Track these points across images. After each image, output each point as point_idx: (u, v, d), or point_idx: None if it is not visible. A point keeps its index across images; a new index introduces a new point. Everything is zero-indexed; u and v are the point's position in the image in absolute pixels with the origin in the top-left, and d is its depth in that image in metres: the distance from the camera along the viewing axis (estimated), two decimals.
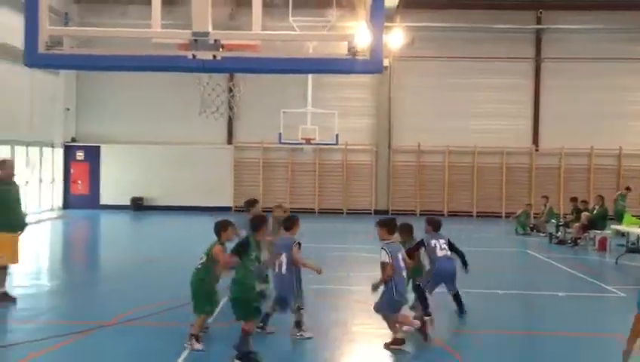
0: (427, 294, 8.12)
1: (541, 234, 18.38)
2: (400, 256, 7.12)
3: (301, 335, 7.43)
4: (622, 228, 15.08)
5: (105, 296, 10.09)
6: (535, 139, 24.38)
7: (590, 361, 6.40)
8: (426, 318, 7.65)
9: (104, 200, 24.42)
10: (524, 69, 24.39)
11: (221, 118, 23.58)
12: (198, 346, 6.85)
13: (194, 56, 4.53)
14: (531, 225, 19.21)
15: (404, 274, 7.14)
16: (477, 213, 24.09)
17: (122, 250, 15.15)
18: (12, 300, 8.99)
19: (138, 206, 23.97)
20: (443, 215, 23.97)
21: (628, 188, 19.64)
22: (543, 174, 24.09)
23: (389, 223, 7.33)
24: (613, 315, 9.44)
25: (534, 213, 20.48)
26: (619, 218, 16.40)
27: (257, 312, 6.69)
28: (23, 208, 9.73)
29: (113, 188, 24.35)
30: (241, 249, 6.55)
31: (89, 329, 7.70)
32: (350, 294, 9.83)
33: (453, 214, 23.91)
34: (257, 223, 6.86)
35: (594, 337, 8.00)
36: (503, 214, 23.45)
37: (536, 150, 24.28)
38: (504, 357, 7.14)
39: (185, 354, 6.75)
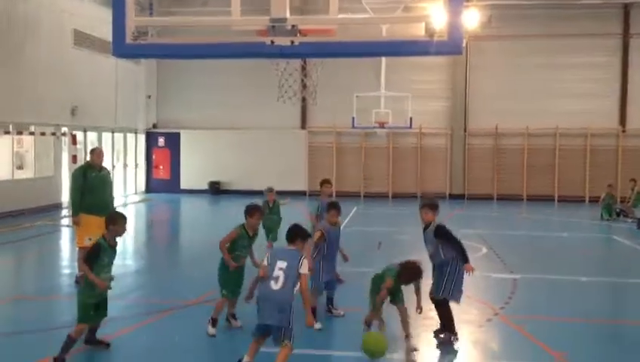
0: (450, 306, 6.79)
1: (628, 220, 17.49)
2: (280, 266, 5.39)
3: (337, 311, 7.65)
4: None
5: (188, 276, 10.50)
6: (622, 120, 23.15)
7: None
8: (454, 340, 6.66)
9: (184, 184, 25.32)
10: (611, 46, 23.12)
11: (295, 103, 23.94)
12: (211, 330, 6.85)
13: (272, 42, 4.59)
14: (618, 210, 18.30)
15: (274, 287, 5.33)
16: (558, 197, 23.21)
17: (202, 232, 15.68)
18: None
19: (215, 190, 24.67)
20: (522, 199, 23.30)
21: None
22: (630, 156, 22.83)
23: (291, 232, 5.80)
24: None
25: (621, 198, 19.53)
26: None
27: (91, 320, 6.21)
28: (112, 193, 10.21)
29: (192, 173, 25.18)
30: (91, 256, 6.11)
31: (175, 308, 8.05)
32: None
33: (533, 199, 23.18)
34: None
35: None
36: (587, 199, 22.50)
37: (623, 131, 23.05)
38: (587, 345, 6.89)
39: None
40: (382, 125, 20.73)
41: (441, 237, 6.60)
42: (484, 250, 12.49)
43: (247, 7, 4.93)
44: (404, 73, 23.19)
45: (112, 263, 6.31)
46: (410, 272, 6.56)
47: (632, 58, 22.95)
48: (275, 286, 5.34)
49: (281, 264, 5.40)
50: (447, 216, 18.91)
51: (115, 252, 6.33)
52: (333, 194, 9.80)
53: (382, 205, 22.31)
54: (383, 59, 20.86)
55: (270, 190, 11.20)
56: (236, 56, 5.22)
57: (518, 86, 23.30)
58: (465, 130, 23.95)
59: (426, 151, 24.29)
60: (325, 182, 9.65)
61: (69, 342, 5.89)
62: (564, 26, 22.88)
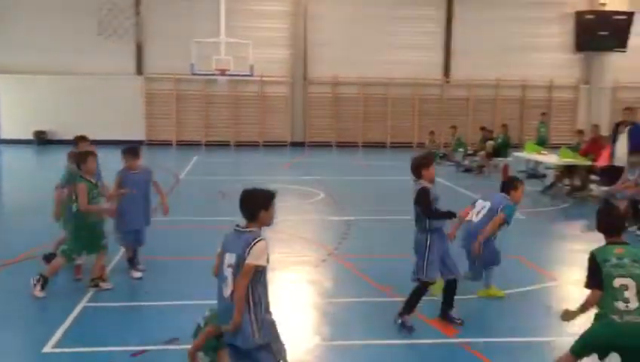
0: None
1: (450, 163, 19.15)
2: (228, 261, 4.12)
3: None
4: (523, 155, 15.97)
5: (8, 233, 9.70)
6: (446, 71, 24.96)
7: (494, 276, 6.89)
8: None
9: (4, 134, 23.03)
10: (438, 0, 24.58)
11: (128, 47, 22.61)
12: (106, 285, 6.77)
13: None
14: (441, 155, 19.95)
15: (225, 292, 4.10)
16: (390, 143, 24.69)
17: (25, 186, 14.46)
18: None
19: (42, 140, 22.80)
20: (358, 146, 24.44)
21: (544, 114, 20.69)
22: (452, 105, 24.84)
23: None
24: (514, 237, 10.15)
25: (444, 144, 21.26)
26: (541, 144, 17.02)
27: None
28: None
29: (14, 122, 22.94)
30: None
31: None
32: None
33: (369, 145, 24.41)
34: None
35: None
36: (415, 144, 24.18)
37: (447, 81, 24.92)
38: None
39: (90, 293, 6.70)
40: (222, 73, 20.35)
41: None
42: (322, 195, 13.01)
43: None
44: (244, 20, 22.83)
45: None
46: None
47: (455, 12, 24.63)
48: (225, 291, 4.07)
49: (230, 258, 4.06)
50: (288, 164, 19.35)
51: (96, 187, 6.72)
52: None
53: (224, 154, 22.15)
54: (222, 4, 20.34)
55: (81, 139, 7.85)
56: None
57: (354, 36, 23.96)
58: (305, 79, 24.34)
59: (268, 99, 24.37)
60: (81, 139, 7.76)
61: None
62: None
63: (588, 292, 4.19)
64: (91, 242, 6.69)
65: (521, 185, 6.75)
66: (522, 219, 11.04)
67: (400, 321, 5.78)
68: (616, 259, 3.99)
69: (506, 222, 6.48)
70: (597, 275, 4.03)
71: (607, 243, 4.19)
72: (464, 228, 6.63)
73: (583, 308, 4.22)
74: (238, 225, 4.14)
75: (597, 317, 4.12)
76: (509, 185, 6.73)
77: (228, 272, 4.02)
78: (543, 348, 5.69)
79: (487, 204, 6.59)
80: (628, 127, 11.41)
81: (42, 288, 6.48)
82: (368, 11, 23.96)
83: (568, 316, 4.30)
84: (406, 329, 5.73)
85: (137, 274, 7.21)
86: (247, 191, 4.18)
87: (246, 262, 3.93)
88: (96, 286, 6.69)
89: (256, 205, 4.10)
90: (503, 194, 6.65)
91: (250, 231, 4.07)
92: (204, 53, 20.10)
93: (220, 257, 4.14)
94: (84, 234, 6.65)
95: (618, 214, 4.40)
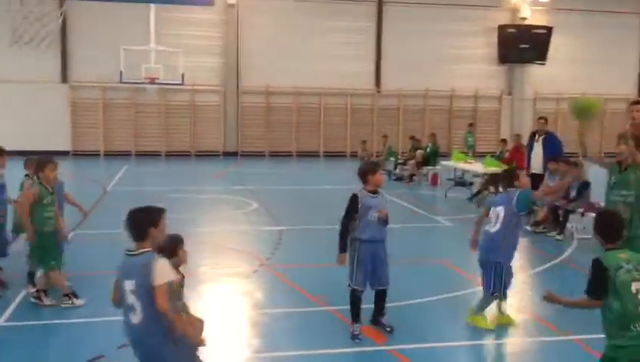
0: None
1: (382, 172, 19.45)
2: (129, 287, 3.93)
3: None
4: (451, 163, 16.46)
5: None
6: (377, 81, 25.42)
7: (422, 281, 7.06)
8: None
9: None
10: (368, 12, 25.05)
11: (52, 54, 21.80)
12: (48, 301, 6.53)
13: None
14: None
15: (133, 320, 3.88)
16: (324, 153, 24.87)
17: None
18: None
19: None
20: (292, 155, 24.48)
21: (471, 125, 21.40)
22: (384, 114, 25.32)
23: None
24: (441, 242, 10.49)
25: (376, 153, 21.63)
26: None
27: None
28: None
29: None
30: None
31: None
32: (196, 236, 9.81)
33: (302, 155, 24.49)
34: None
35: (424, 262, 8.80)
36: (348, 153, 24.45)
37: (378, 91, 25.38)
38: (343, 287, 7.60)
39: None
40: (152, 81, 19.97)
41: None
42: (255, 205, 12.93)
43: None
44: (174, 28, 22.53)
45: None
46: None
47: (386, 24, 25.17)
48: (134, 318, 3.85)
49: (129, 285, 3.84)
50: (221, 173, 19.14)
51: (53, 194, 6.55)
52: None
53: (155, 164, 21.68)
54: (152, 12, 19.99)
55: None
56: None
57: (287, 46, 24.05)
58: (237, 88, 24.18)
59: (200, 108, 24.06)
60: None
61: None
62: None
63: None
64: (49, 252, 6.49)
65: (521, 172, 6.47)
66: (449, 225, 11.42)
67: (351, 330, 5.90)
68: (626, 264, 3.87)
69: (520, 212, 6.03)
70: (604, 284, 3.85)
71: (608, 250, 4.01)
72: (481, 238, 6.22)
73: (572, 305, 4.23)
74: (128, 250, 3.94)
75: (613, 334, 3.87)
76: (510, 177, 6.27)
77: (132, 299, 3.82)
78: (472, 352, 5.86)
79: (500, 211, 6.00)
80: (542, 136, 11.97)
81: (46, 295, 6.53)
82: (301, 21, 24.14)
83: (550, 298, 4.17)
84: (355, 338, 5.84)
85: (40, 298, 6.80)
86: (133, 211, 4.01)
87: (155, 286, 3.74)
88: (39, 298, 6.52)
89: (144, 223, 3.94)
90: (509, 189, 6.12)
91: (142, 252, 3.89)
92: (134, 61, 19.68)
93: (118, 286, 3.94)
94: (44, 244, 6.44)
95: (620, 219, 4.28)
